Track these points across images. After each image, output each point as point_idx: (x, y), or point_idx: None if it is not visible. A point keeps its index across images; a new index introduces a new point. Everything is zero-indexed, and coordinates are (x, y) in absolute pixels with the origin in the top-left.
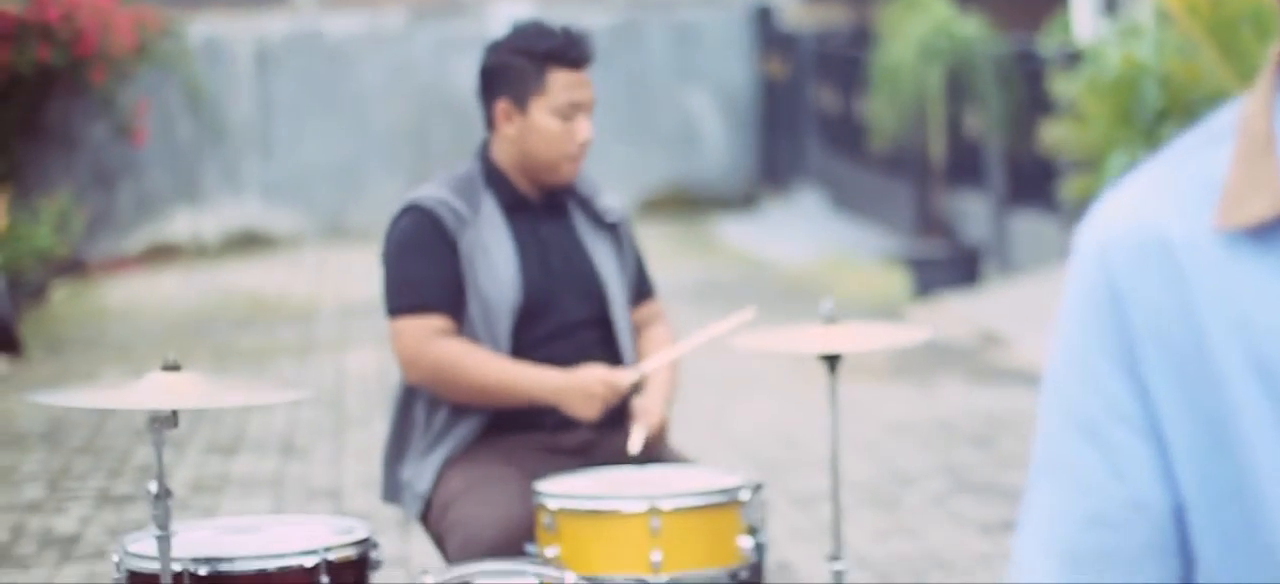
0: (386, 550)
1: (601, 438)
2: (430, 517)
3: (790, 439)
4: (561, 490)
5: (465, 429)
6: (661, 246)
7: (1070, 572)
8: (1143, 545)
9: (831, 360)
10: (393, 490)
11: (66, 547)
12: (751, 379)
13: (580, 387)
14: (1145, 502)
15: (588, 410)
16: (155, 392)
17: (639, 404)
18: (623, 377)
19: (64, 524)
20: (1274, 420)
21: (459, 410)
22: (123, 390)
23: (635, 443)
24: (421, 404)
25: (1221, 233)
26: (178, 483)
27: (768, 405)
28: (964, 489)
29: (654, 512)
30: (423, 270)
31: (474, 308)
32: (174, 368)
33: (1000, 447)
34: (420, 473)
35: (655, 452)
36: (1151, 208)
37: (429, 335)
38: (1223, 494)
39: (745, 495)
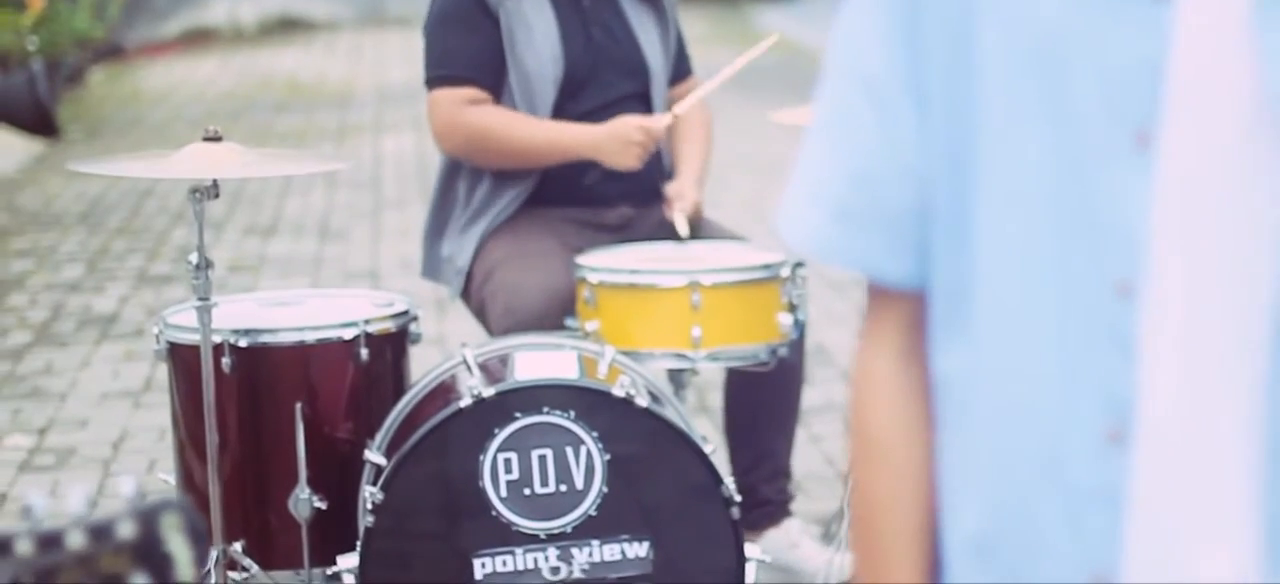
0: (424, 329)
1: (641, 214)
2: (471, 288)
3: None
4: (602, 264)
5: (505, 202)
6: (700, 33)
7: (837, 224)
8: (904, 208)
9: None
10: (433, 267)
11: (105, 325)
12: (789, 165)
13: (618, 134)
14: (910, 167)
15: (626, 158)
16: (196, 161)
17: (673, 188)
18: (658, 121)
19: (102, 303)
20: (1010, 108)
21: (499, 184)
22: (164, 161)
23: (682, 226)
24: (463, 180)
25: None
26: (215, 263)
27: None
28: None
29: (694, 287)
30: (461, 42)
31: (514, 82)
32: (215, 138)
33: None
34: (461, 247)
35: (694, 229)
36: None
37: (465, 104)
38: (955, 176)
39: (785, 272)
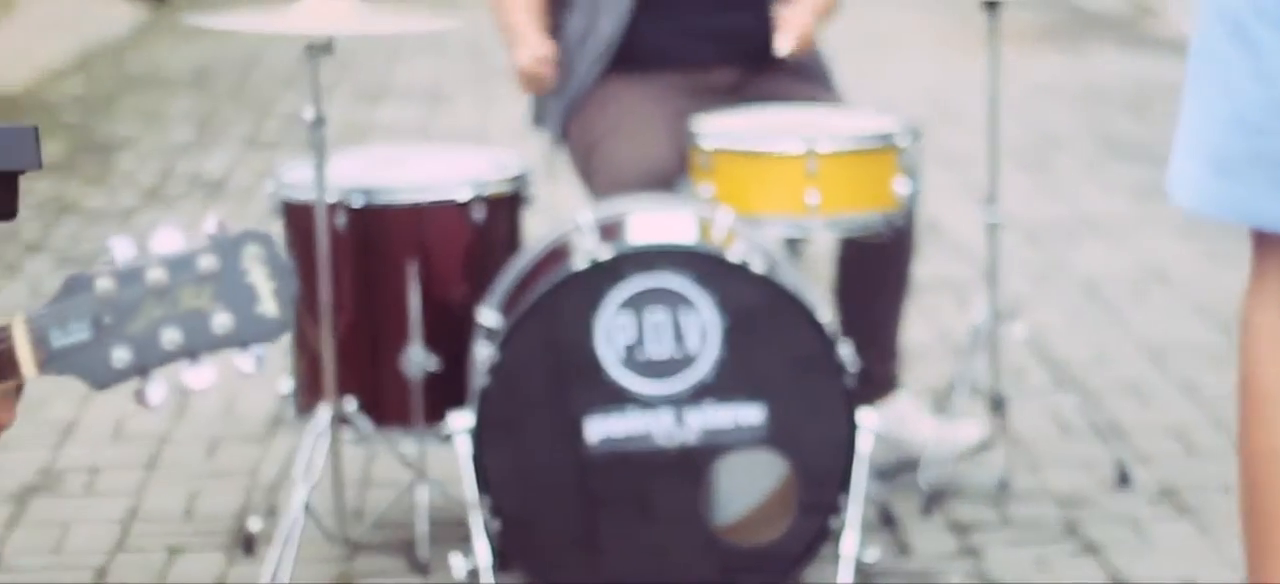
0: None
1: (749, 78)
2: (575, 151)
3: (939, 100)
4: (717, 130)
5: (585, 69)
6: None
7: (1218, 176)
8: None
9: (991, 7)
10: (541, 115)
11: (214, 188)
12: (900, 42)
13: (520, 59)
14: None
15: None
16: (312, 17)
17: (784, 14)
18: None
19: (212, 166)
20: None
21: (571, 52)
22: (279, 15)
23: (783, 44)
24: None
25: None
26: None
27: (917, 67)
28: (1115, 154)
29: (811, 153)
30: None
31: None
32: None
33: (1153, 111)
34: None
35: (806, 60)
36: None
37: None
38: None
39: (902, 141)
